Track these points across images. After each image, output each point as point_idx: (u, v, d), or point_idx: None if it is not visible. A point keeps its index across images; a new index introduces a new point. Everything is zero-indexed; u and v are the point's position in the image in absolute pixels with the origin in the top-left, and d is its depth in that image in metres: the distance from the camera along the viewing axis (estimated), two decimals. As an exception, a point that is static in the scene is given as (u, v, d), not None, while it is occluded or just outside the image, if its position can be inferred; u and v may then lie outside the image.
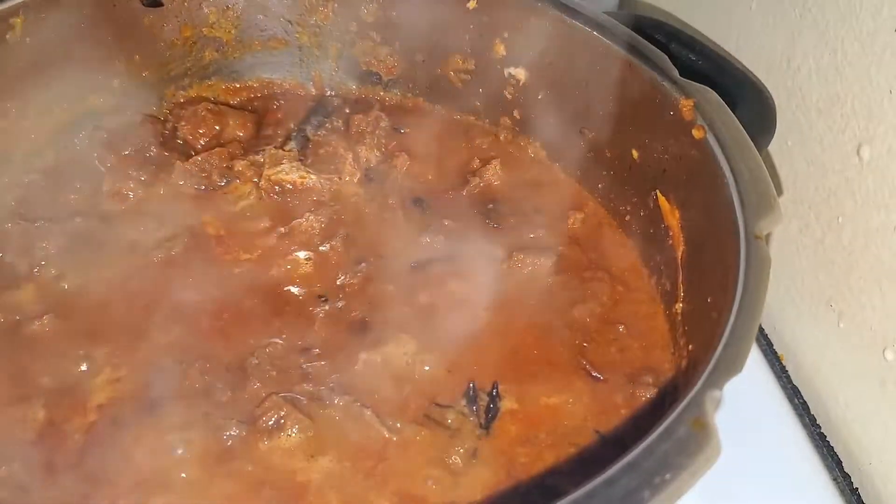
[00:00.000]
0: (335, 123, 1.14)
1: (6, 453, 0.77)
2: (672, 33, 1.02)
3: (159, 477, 0.76)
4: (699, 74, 0.94)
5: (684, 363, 0.86)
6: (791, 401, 1.03)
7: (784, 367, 1.09)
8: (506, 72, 1.13)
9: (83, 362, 0.85)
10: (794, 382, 1.08)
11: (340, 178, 1.06)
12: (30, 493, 0.74)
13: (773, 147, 1.05)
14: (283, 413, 0.79)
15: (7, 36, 0.98)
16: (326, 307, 0.92)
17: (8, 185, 1.03)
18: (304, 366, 0.86)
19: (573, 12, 1.02)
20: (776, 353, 1.11)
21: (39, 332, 0.87)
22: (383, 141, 1.13)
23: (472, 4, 1.10)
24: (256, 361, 0.85)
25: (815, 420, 1.05)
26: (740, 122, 0.87)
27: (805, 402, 1.06)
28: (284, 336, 0.89)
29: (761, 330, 1.13)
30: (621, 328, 0.93)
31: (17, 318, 0.89)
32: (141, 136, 1.09)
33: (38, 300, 0.91)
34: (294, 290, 0.94)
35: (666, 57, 0.94)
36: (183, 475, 0.76)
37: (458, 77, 1.17)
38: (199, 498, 0.74)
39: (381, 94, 1.23)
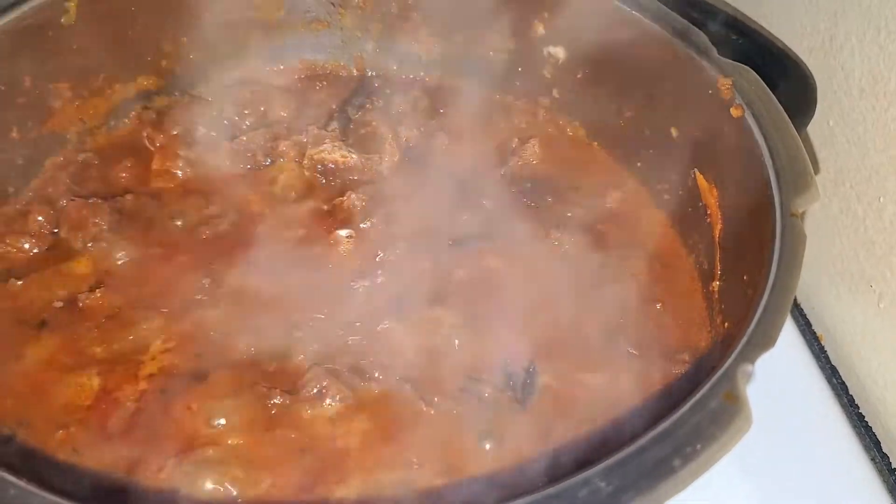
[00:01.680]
0: (376, 104, 1.15)
1: (63, 418, 0.80)
2: (712, 12, 1.01)
3: (207, 443, 0.78)
4: (739, 53, 0.94)
5: (720, 340, 0.86)
6: (829, 381, 1.03)
7: (823, 347, 1.09)
8: (545, 51, 1.13)
9: (134, 333, 0.87)
10: (833, 363, 1.08)
11: (381, 158, 1.08)
12: (84, 456, 0.77)
13: (814, 126, 1.05)
14: (325, 384, 0.81)
15: (62, 20, 1.00)
16: (366, 283, 0.93)
17: (63, 164, 1.06)
18: (345, 340, 0.87)
19: (612, -8, 1.02)
20: (815, 333, 1.11)
21: (93, 305, 0.90)
22: (423, 121, 1.14)
23: (512, -16, 1.10)
24: (300, 334, 0.87)
25: (854, 401, 1.04)
26: (780, 100, 0.87)
27: (844, 382, 1.06)
28: (326, 311, 0.90)
29: (800, 310, 1.13)
30: (658, 306, 0.94)
31: (73, 291, 0.91)
32: (188, 117, 1.12)
33: (92, 274, 0.93)
34: (335, 266, 0.96)
35: (705, 36, 0.94)
36: (230, 441, 0.78)
37: (497, 57, 1.18)
38: (245, 463, 0.76)
39: (422, 74, 1.24)
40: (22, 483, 0.57)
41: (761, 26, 1.04)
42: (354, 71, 1.25)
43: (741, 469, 0.91)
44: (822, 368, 1.04)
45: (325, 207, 1.02)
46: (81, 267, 0.94)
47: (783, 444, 0.95)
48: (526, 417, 0.83)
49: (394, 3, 1.19)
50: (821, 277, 1.12)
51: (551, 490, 0.56)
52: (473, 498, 0.75)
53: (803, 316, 1.13)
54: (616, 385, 0.86)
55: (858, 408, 1.04)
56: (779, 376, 0.98)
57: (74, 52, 1.03)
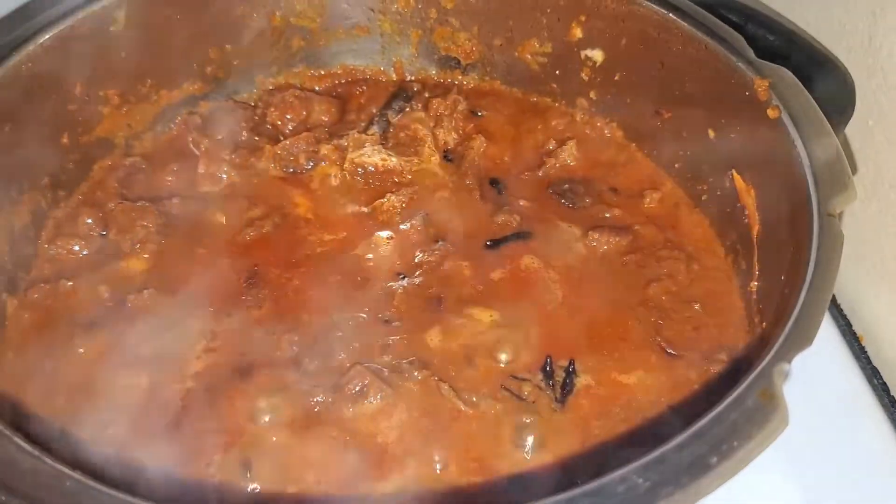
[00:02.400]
0: (415, 107, 1.16)
1: (113, 416, 0.82)
2: (749, 14, 1.01)
3: (252, 440, 0.80)
4: (777, 54, 0.94)
5: (758, 340, 0.86)
6: (871, 381, 1.02)
7: (863, 347, 1.08)
8: (582, 54, 1.14)
9: (181, 333, 0.89)
10: (874, 363, 1.07)
11: (420, 160, 1.09)
12: (133, 451, 0.79)
13: (853, 127, 1.04)
14: (366, 382, 0.83)
15: (111, 28, 1.02)
16: (405, 283, 0.95)
17: (111, 168, 1.09)
18: (385, 339, 0.89)
19: (649, -5, 1.03)
20: (855, 333, 1.10)
21: (141, 305, 0.92)
22: (461, 123, 1.15)
23: (549, -12, 1.11)
24: (341, 334, 0.89)
25: (895, 401, 1.04)
26: (818, 101, 0.87)
27: (885, 382, 1.05)
28: (366, 310, 0.92)
29: (840, 310, 1.13)
30: (697, 306, 0.94)
31: (122, 291, 0.93)
32: (232, 122, 1.14)
33: (140, 275, 0.96)
34: (375, 266, 0.97)
35: (741, 38, 0.94)
36: (274, 438, 0.80)
37: (535, 60, 1.19)
38: (289, 459, 0.78)
39: (460, 78, 1.25)
40: (77, 475, 0.59)
41: (798, 27, 1.04)
42: (394, 75, 1.26)
43: (784, 469, 0.91)
44: (863, 369, 1.04)
45: (366, 209, 1.04)
46: (130, 268, 0.97)
47: (825, 445, 0.95)
48: (564, 416, 0.84)
49: (432, 9, 1.20)
50: (861, 277, 1.11)
51: (590, 486, 0.58)
52: (511, 495, 0.77)
53: (843, 316, 1.12)
54: (654, 385, 0.87)
55: (900, 409, 1.03)
56: (819, 377, 0.98)
57: (123, 60, 1.06)
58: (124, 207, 1.02)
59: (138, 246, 0.99)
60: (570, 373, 0.87)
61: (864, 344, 1.09)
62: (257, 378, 0.85)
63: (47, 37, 0.96)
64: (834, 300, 1.14)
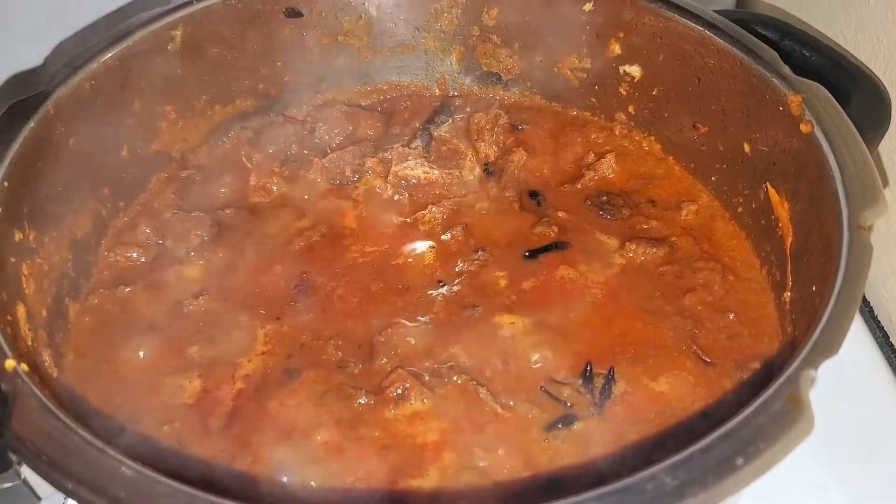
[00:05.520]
0: (457, 122, 1.19)
1: (168, 415, 0.86)
2: (785, 30, 1.02)
3: (298, 439, 0.83)
4: (813, 70, 0.95)
5: (789, 349, 0.87)
6: (908, 393, 1.03)
7: (901, 359, 1.09)
8: (621, 69, 1.15)
9: (232, 337, 0.93)
10: (912, 375, 1.07)
11: (461, 173, 1.12)
12: (187, 449, 0.83)
13: (889, 142, 1.05)
14: (407, 385, 0.85)
15: (168, 47, 1.07)
16: (445, 291, 0.97)
17: (167, 180, 1.13)
18: (426, 344, 0.92)
19: (686, 12, 1.04)
20: (892, 346, 1.10)
21: (196, 311, 0.96)
22: (502, 137, 1.17)
23: (588, 7, 1.13)
24: (383, 339, 0.92)
25: (934, 414, 1.04)
26: (853, 115, 0.88)
27: (923, 394, 1.06)
28: (409, 317, 0.94)
29: (878, 323, 1.13)
30: (731, 316, 0.95)
31: (177, 297, 0.97)
32: (282, 136, 1.17)
33: (195, 281, 0.99)
34: (417, 275, 1.00)
35: (776, 54, 0.95)
36: (318, 438, 0.83)
37: (574, 75, 1.21)
38: (333, 457, 0.81)
39: (501, 93, 1.27)
40: (136, 465, 0.63)
41: (834, 41, 1.05)
42: (437, 91, 1.29)
43: (823, 483, 0.92)
44: (901, 381, 1.04)
45: (409, 220, 1.07)
46: (185, 275, 1.00)
47: (865, 458, 0.95)
48: (601, 420, 0.85)
49: (475, 27, 1.22)
50: (898, 290, 1.12)
51: (619, 484, 0.60)
52: (547, 494, 0.79)
53: (881, 329, 1.12)
54: (689, 392, 0.88)
55: (939, 421, 1.03)
56: (857, 390, 0.99)
57: (179, 77, 1.10)
58: (180, 217, 1.05)
59: (193, 254, 1.02)
60: (610, 379, 0.88)
61: (901, 355, 1.09)
62: (304, 380, 0.88)
63: (109, 56, 1.00)
64: (872, 313, 1.15)
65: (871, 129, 0.91)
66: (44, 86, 0.95)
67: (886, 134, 0.94)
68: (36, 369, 0.79)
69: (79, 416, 0.71)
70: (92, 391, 0.88)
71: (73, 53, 1.00)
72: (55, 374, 0.88)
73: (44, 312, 0.90)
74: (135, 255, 1.03)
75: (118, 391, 0.88)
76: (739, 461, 0.60)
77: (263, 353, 0.92)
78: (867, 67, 0.99)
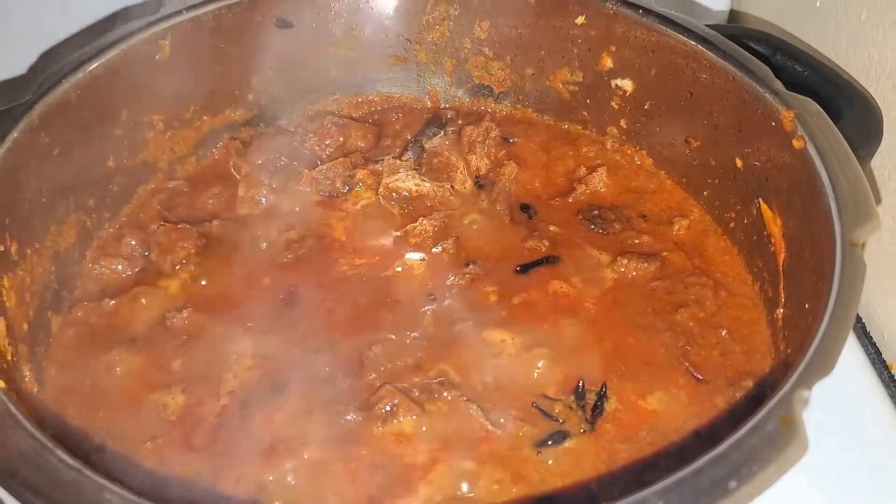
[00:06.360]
0: (449, 134, 1.19)
1: (151, 431, 0.85)
2: (777, 46, 1.03)
3: (283, 455, 0.81)
4: (805, 86, 0.96)
5: (782, 367, 0.86)
6: (900, 410, 1.02)
7: (893, 376, 1.08)
8: (613, 83, 1.15)
9: (218, 351, 0.92)
10: (904, 392, 1.07)
11: (453, 186, 1.11)
12: (170, 466, 0.82)
13: (882, 158, 1.04)
14: (396, 402, 0.84)
15: (156, 56, 1.06)
16: (435, 305, 0.97)
17: (154, 191, 1.12)
18: (415, 360, 0.91)
19: (678, 27, 1.04)
20: (885, 362, 1.10)
21: (180, 325, 0.94)
22: (493, 150, 1.17)
23: (580, 20, 1.13)
24: (372, 354, 0.91)
25: (926, 431, 1.03)
26: (846, 132, 0.88)
27: (915, 412, 1.05)
28: (398, 332, 0.94)
29: (870, 338, 1.12)
30: (724, 332, 0.94)
31: (162, 310, 0.96)
32: (272, 147, 1.17)
33: (180, 295, 0.99)
34: (407, 289, 0.99)
35: (768, 69, 0.95)
36: (305, 455, 0.82)
37: (566, 89, 1.21)
38: (319, 475, 0.80)
39: (493, 105, 1.28)
40: (115, 488, 0.61)
41: (826, 57, 1.05)
42: (428, 103, 1.29)
43: (814, 499, 0.91)
44: (893, 398, 1.03)
45: (399, 233, 1.06)
46: (170, 288, 1.00)
47: (856, 474, 0.94)
48: (592, 438, 0.84)
49: (466, 39, 1.22)
50: (890, 307, 1.11)
51: (610, 508, 0.59)
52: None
53: (873, 345, 1.12)
54: (681, 409, 0.87)
55: (930, 438, 1.02)
56: (848, 406, 0.98)
57: (167, 87, 1.09)
58: (166, 229, 1.04)
59: (179, 267, 1.01)
60: (602, 396, 0.88)
61: (893, 372, 1.08)
62: (290, 396, 0.87)
63: (95, 65, 1.00)
64: (864, 329, 1.14)
65: (863, 145, 0.91)
66: (29, 94, 0.94)
67: (878, 150, 0.93)
68: (14, 385, 0.78)
69: (58, 433, 0.70)
70: (73, 406, 0.87)
71: (59, 62, 0.99)
72: (35, 390, 0.87)
73: (25, 326, 0.89)
74: (119, 267, 1.02)
75: (100, 406, 0.87)
76: (733, 484, 0.59)
77: (249, 367, 0.91)
78: (859, 83, 0.99)
